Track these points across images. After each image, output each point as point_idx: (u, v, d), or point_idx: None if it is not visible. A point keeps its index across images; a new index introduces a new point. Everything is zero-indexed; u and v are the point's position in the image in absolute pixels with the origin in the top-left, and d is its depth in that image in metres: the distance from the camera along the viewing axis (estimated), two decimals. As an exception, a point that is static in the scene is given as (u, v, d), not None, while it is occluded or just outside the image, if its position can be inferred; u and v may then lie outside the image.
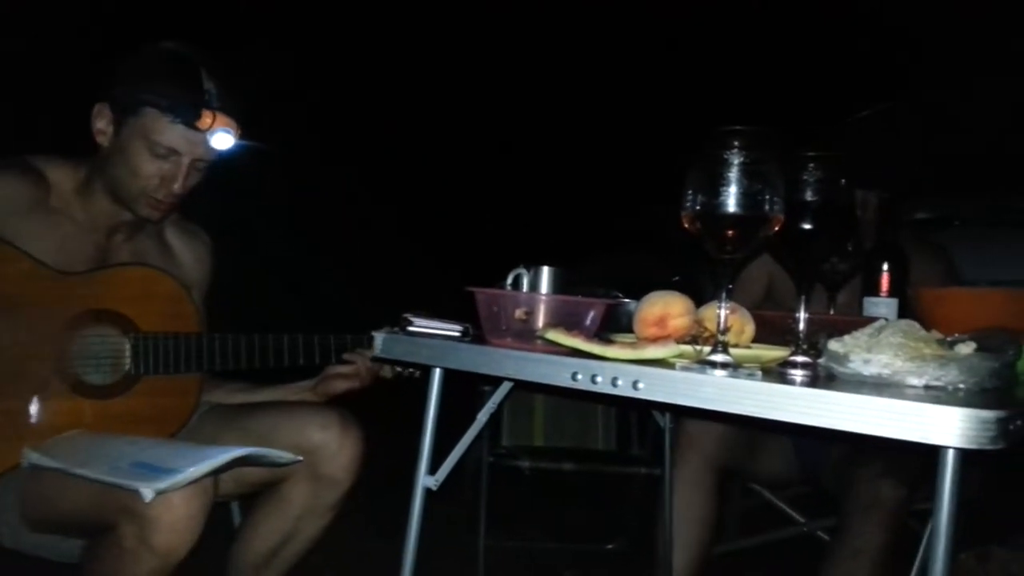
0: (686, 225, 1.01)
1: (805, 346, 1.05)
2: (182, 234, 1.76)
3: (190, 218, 1.79)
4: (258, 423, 1.60)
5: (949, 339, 1.01)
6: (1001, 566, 1.86)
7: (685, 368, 0.99)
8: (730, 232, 0.98)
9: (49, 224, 1.55)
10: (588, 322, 1.21)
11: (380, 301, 1.81)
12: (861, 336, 1.00)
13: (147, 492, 1.24)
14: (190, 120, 1.50)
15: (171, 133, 1.52)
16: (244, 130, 1.57)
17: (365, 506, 1.72)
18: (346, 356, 1.69)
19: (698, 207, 0.98)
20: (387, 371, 1.71)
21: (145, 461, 1.32)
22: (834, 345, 1.00)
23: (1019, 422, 0.89)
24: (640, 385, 1.00)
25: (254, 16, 5.82)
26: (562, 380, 1.06)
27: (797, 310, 1.09)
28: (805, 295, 1.10)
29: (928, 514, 0.89)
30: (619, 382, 1.01)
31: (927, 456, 0.88)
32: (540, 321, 1.19)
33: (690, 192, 0.99)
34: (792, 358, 1.05)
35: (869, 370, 0.96)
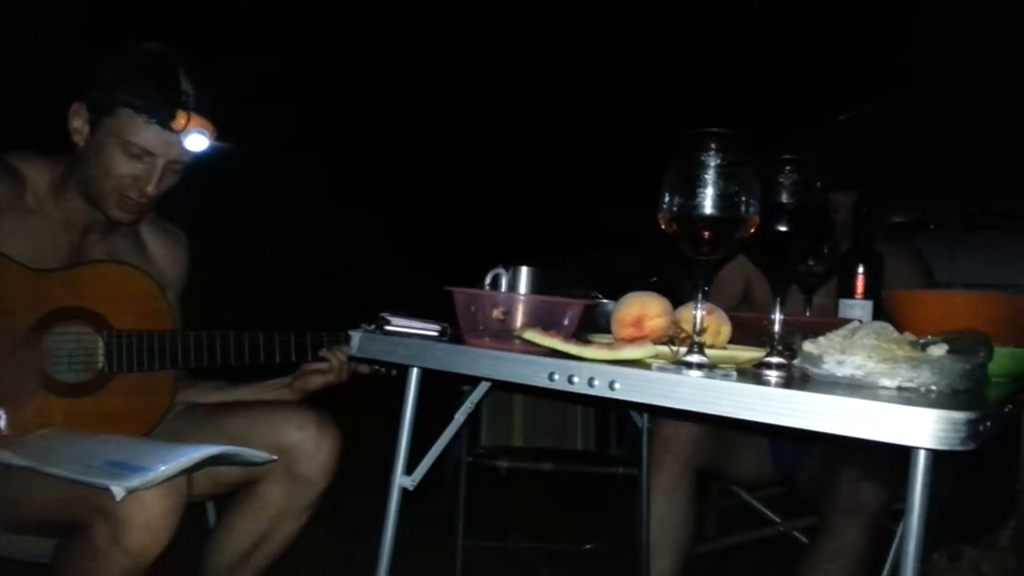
0: (663, 226, 1.01)
1: (780, 347, 1.06)
2: (158, 232, 1.75)
3: (166, 216, 1.77)
4: (234, 422, 1.59)
5: (922, 341, 1.02)
6: (972, 565, 1.89)
7: (661, 369, 1.00)
8: (706, 233, 0.99)
9: (23, 222, 1.53)
10: (566, 322, 1.21)
11: (358, 300, 1.80)
12: (835, 338, 1.01)
13: (118, 491, 1.23)
14: (165, 121, 1.49)
15: (146, 134, 1.50)
16: (220, 131, 1.55)
17: (342, 506, 1.71)
18: (322, 353, 1.69)
19: (674, 208, 0.99)
20: (364, 367, 1.70)
21: (117, 460, 1.30)
22: (808, 346, 1.01)
23: (989, 423, 0.90)
24: (616, 385, 1.00)
25: (235, 13, 5.78)
26: (539, 380, 1.06)
27: (773, 312, 1.10)
28: (780, 297, 1.11)
29: (903, 514, 0.90)
30: (596, 382, 1.02)
31: (904, 457, 0.89)
32: (518, 321, 1.19)
33: (667, 193, 1.00)
34: (767, 359, 1.05)
35: (842, 371, 0.97)
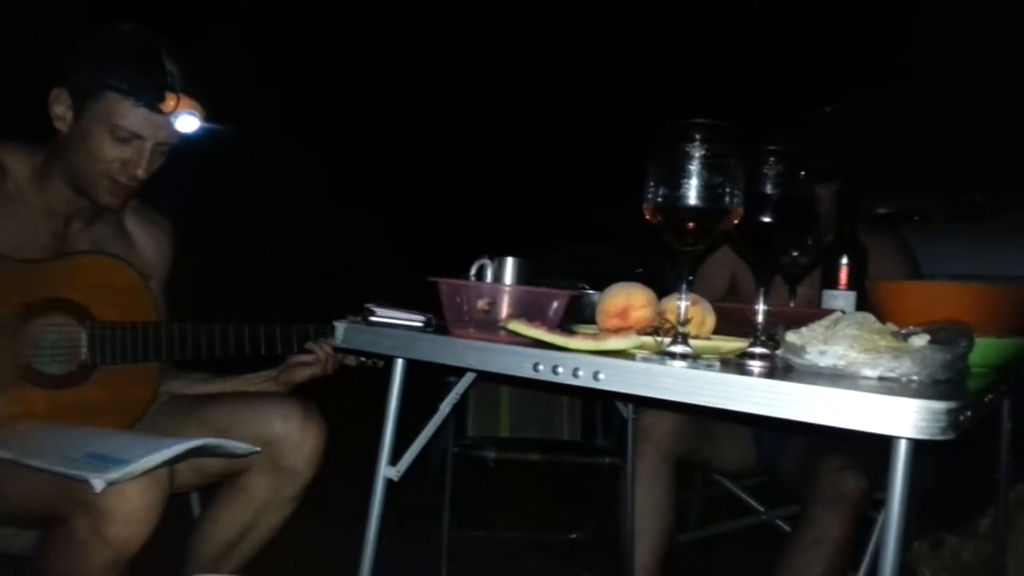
0: (647, 216, 1.01)
1: (763, 338, 1.06)
2: (142, 221, 1.73)
3: (151, 205, 1.76)
4: (218, 414, 1.58)
5: (904, 331, 1.02)
6: (952, 553, 1.91)
7: (645, 359, 1.00)
8: (690, 224, 0.99)
9: (4, 211, 1.51)
10: (551, 313, 1.21)
11: (344, 290, 1.80)
12: (818, 328, 1.01)
13: (98, 482, 1.22)
14: (153, 103, 1.47)
15: (134, 116, 1.49)
16: (209, 113, 1.54)
17: (328, 497, 1.71)
18: (308, 345, 1.68)
19: (659, 199, 0.99)
20: (351, 359, 1.70)
21: (98, 452, 1.30)
22: (791, 337, 1.01)
23: (969, 413, 0.91)
24: (601, 376, 1.00)
25: None
26: (524, 371, 1.06)
27: (757, 302, 1.10)
28: (764, 287, 1.11)
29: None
30: (580, 373, 1.02)
31: (886, 447, 0.89)
32: (503, 312, 1.19)
33: (651, 184, 1.00)
34: (750, 349, 1.06)
35: (825, 361, 0.98)
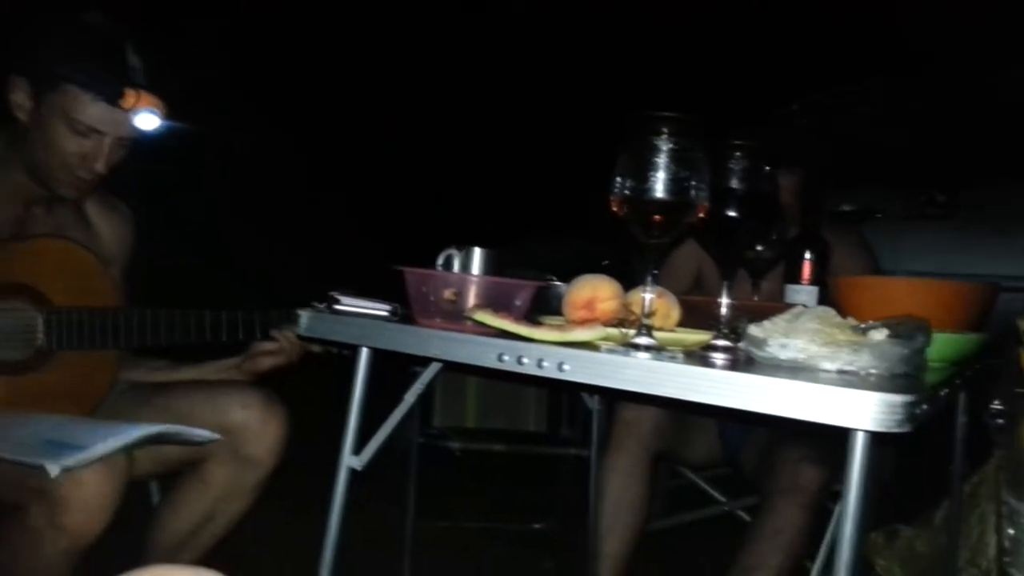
0: (614, 209, 1.02)
1: (727, 330, 1.08)
2: (102, 208, 1.70)
3: (113, 191, 1.72)
4: (178, 401, 1.56)
5: (863, 326, 1.04)
6: (907, 544, 1.95)
7: (610, 351, 1.00)
8: (656, 217, 1.00)
9: None
10: (518, 303, 1.21)
11: (310, 278, 1.78)
12: (779, 322, 1.03)
13: (53, 468, 1.20)
14: (113, 99, 1.44)
15: (92, 111, 1.46)
16: (171, 109, 1.51)
17: (291, 486, 1.69)
18: (272, 333, 1.66)
19: (626, 191, 0.99)
20: (316, 347, 1.68)
21: (55, 438, 1.27)
22: (754, 330, 1.03)
23: (926, 407, 0.92)
24: (565, 367, 1.01)
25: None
26: (488, 361, 1.06)
27: (721, 296, 1.11)
28: (729, 281, 1.12)
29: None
30: (545, 363, 1.02)
31: (844, 439, 0.91)
32: (469, 302, 1.19)
33: (618, 177, 1.00)
34: (714, 342, 1.07)
35: (785, 354, 0.99)
